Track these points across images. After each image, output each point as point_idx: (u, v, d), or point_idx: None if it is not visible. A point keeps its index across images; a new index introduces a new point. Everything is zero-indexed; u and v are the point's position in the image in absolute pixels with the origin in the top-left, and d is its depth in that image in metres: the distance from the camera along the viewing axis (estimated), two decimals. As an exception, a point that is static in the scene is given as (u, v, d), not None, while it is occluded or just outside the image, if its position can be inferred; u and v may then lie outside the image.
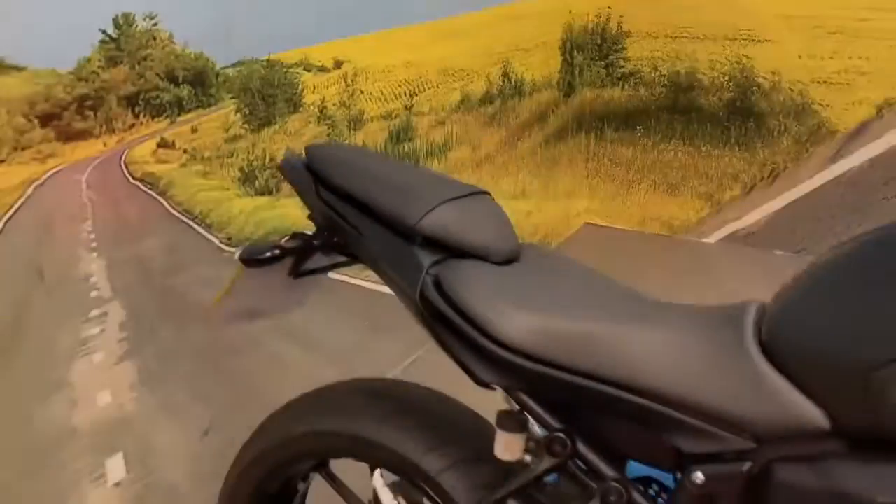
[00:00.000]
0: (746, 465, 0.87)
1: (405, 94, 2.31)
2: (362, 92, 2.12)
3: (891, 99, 2.94)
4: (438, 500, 1.10)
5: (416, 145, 2.39)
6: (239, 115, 1.80)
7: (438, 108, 2.52)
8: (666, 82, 3.33)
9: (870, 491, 0.78)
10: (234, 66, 1.78)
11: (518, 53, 3.01)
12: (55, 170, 1.46)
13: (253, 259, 1.19)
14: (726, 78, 3.22)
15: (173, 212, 1.72)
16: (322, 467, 1.35)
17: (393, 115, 2.27)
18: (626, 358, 0.93)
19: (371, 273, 1.74)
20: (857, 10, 2.85)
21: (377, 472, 1.11)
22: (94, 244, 1.56)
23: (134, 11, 1.56)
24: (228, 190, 1.85)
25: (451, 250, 1.07)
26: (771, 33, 3.10)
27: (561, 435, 0.96)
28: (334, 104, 2.07)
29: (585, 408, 0.99)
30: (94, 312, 1.57)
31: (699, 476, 0.89)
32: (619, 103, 3.45)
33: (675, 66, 3.30)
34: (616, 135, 3.48)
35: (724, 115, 3.24)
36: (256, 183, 1.90)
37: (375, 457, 1.09)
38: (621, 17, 3.40)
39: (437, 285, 1.04)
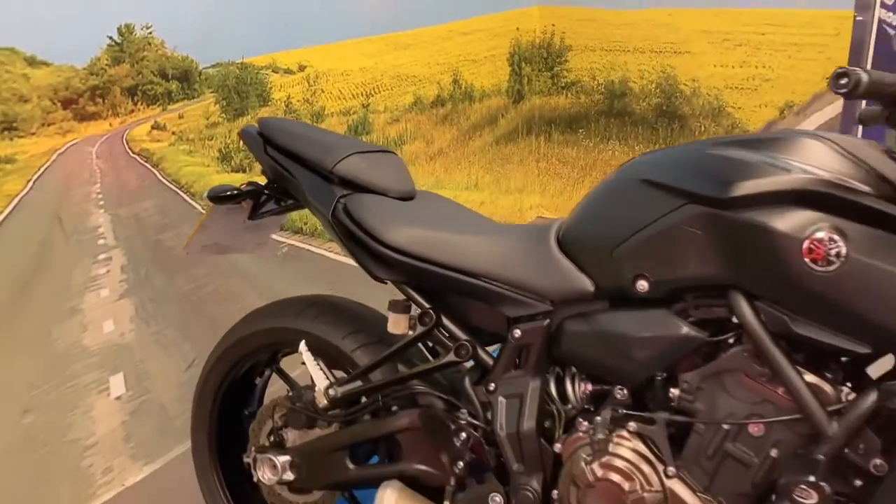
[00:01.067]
0: (546, 322, 1.31)
1: (362, 95, 2.72)
2: (323, 91, 2.53)
3: (790, 102, 3.38)
4: (351, 371, 1.53)
5: (373, 138, 2.80)
6: (217, 106, 2.21)
7: (393, 108, 2.93)
8: (603, 90, 3.77)
9: (622, 329, 1.22)
10: (213, 66, 2.18)
11: (467, 64, 3.43)
12: (72, 142, 1.87)
13: (217, 196, 1.63)
14: (654, 85, 3.65)
15: (164, 181, 2.12)
16: (273, 363, 1.77)
17: (351, 112, 2.68)
18: (471, 254, 1.38)
19: (333, 245, 2.27)
20: (758, 25, 3.28)
21: (302, 343, 1.54)
22: (101, 202, 1.96)
23: (134, 22, 2.00)
24: (209, 167, 2.25)
25: (359, 188, 1.52)
26: (691, 46, 3.54)
27: (430, 311, 1.41)
28: (299, 101, 2.48)
29: (447, 292, 1.43)
30: (101, 256, 1.97)
31: (517, 332, 1.33)
32: (564, 109, 3.88)
33: (611, 76, 3.73)
34: (562, 137, 3.91)
35: (653, 118, 3.66)
36: (232, 162, 2.31)
37: (308, 345, 1.52)
38: (563, 33, 3.84)
39: (345, 209, 1.48)
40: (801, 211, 1.04)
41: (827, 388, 1.09)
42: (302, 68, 2.48)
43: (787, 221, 1.04)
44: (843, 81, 0.90)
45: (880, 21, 3.54)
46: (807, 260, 1.02)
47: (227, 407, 1.78)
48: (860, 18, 3.23)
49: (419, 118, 3.11)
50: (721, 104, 3.46)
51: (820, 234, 1.02)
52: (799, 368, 1.10)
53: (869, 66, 3.70)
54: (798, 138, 1.10)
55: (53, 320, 1.90)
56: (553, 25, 3.84)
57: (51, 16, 1.76)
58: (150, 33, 2.00)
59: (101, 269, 1.99)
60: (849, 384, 1.09)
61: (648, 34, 3.58)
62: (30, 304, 1.86)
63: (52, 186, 1.86)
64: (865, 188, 1.03)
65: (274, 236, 2.49)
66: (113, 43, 1.93)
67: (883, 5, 3.48)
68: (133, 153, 2.03)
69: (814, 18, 3.19)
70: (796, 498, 1.06)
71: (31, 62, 1.76)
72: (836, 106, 3.19)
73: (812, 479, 1.06)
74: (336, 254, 2.75)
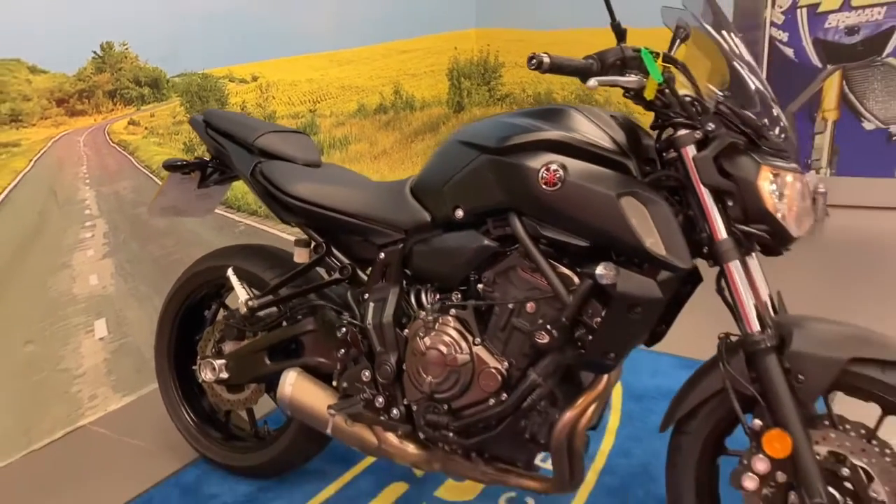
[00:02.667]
0: (401, 245, 1.84)
1: (309, 101, 3.26)
2: (274, 98, 3.06)
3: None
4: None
5: (321, 138, 3.33)
6: (182, 108, 2.76)
7: (338, 113, 3.47)
8: (531, 100, 4.32)
9: (447, 245, 1.74)
10: (179, 75, 2.74)
11: (408, 78, 3.97)
12: (64, 133, 2.39)
13: (171, 165, 2.18)
14: (574, 96, 4.20)
15: (138, 166, 2.65)
16: (219, 299, 2.29)
17: (300, 116, 3.20)
18: (350, 201, 1.92)
19: (285, 227, 2.86)
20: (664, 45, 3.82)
21: (230, 269, 2.06)
22: (87, 180, 2.48)
23: (113, 40, 2.54)
24: (175, 156, 2.79)
25: (272, 156, 2.05)
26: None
27: (322, 243, 1.94)
28: (252, 105, 3.01)
29: (335, 230, 1.96)
30: (88, 224, 2.48)
31: (382, 255, 1.86)
32: (500, 117, 4.41)
33: (537, 88, 4.28)
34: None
35: (573, 123, 4.20)
36: (195, 153, 2.85)
37: (236, 273, 2.04)
38: (497, 51, 4.40)
39: (261, 171, 2.02)
40: (541, 154, 1.58)
41: (567, 272, 1.62)
42: (255, 78, 3.03)
43: (532, 161, 1.58)
44: (533, 62, 1.44)
45: (770, 38, 4.12)
46: (543, 185, 1.56)
47: (182, 334, 2.31)
48: (740, 36, 3.75)
49: (363, 123, 3.65)
50: (629, 110, 4.00)
51: (552, 167, 1.56)
52: (551, 262, 1.62)
53: (765, 73, 4.26)
54: (557, 109, 1.64)
55: (48, 272, 2.43)
56: (488, 45, 4.40)
57: (48, 33, 2.31)
58: (127, 49, 2.55)
59: (87, 234, 2.52)
60: (579, 269, 1.61)
61: (569, 50, 4.12)
62: (30, 258, 2.38)
63: (48, 165, 2.39)
64: (584, 138, 1.56)
65: (234, 217, 3.03)
66: (97, 56, 2.48)
67: (773, 24, 4.06)
68: (113, 143, 2.57)
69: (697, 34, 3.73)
70: (538, 341, 1.59)
71: (33, 70, 2.31)
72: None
73: (555, 332, 1.59)
74: (289, 234, 3.28)
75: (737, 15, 3.85)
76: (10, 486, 2.23)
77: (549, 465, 1.72)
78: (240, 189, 3.07)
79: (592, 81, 1.45)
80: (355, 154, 3.60)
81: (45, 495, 2.17)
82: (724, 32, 1.58)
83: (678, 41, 1.67)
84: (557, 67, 1.45)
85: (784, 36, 4.32)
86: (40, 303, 2.40)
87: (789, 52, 4.34)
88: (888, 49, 4.18)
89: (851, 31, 4.20)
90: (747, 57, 1.58)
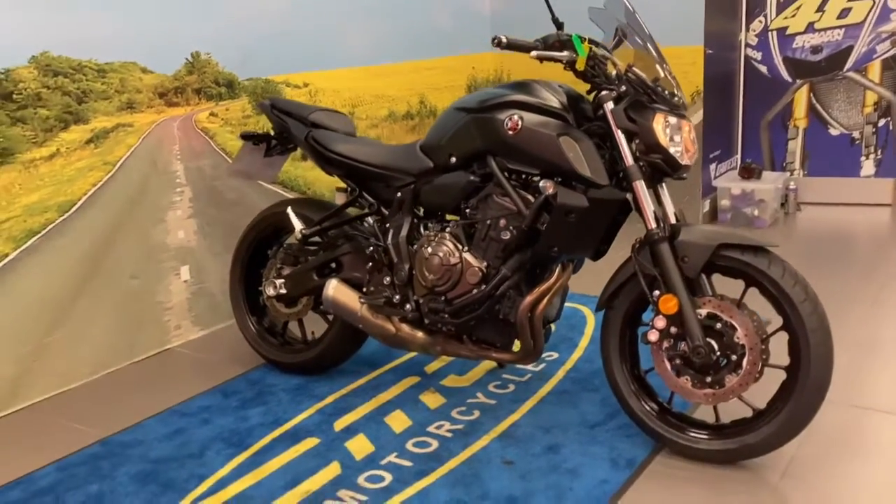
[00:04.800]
0: (412, 186, 2.55)
1: (349, 106, 4.00)
2: (320, 101, 3.82)
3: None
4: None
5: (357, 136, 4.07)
6: (250, 105, 3.54)
7: (372, 117, 4.21)
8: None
9: (445, 182, 2.45)
10: (248, 79, 3.51)
11: (431, 90, 4.69)
12: (164, 119, 3.16)
13: (245, 135, 2.93)
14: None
15: (216, 149, 3.39)
16: (278, 240, 3.01)
17: (341, 116, 3.98)
18: (376, 156, 2.64)
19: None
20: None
21: (289, 207, 2.78)
22: (178, 156, 3.23)
23: (200, 50, 3.33)
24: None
25: (320, 127, 2.79)
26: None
27: (355, 188, 2.66)
28: (304, 106, 3.79)
29: (365, 178, 2.67)
30: (178, 190, 3.22)
31: (399, 194, 2.57)
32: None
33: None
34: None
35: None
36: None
37: (294, 211, 2.76)
38: (510, 71, 5.13)
39: (312, 136, 2.75)
40: (507, 110, 2.28)
41: (527, 195, 2.30)
42: (306, 85, 3.80)
43: (501, 114, 2.28)
44: (495, 41, 2.15)
45: (746, 57, 4.81)
46: (508, 130, 2.26)
47: (250, 268, 3.03)
48: (710, 52, 4.45)
49: (393, 126, 4.39)
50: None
51: (514, 117, 2.26)
52: (516, 188, 2.31)
53: (742, 89, 4.92)
54: (523, 82, 2.35)
55: (150, 224, 3.18)
56: (502, 65, 5.14)
57: (155, 43, 3.11)
58: (210, 57, 3.34)
59: (177, 198, 3.27)
60: (535, 194, 2.29)
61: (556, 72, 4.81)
62: (137, 211, 3.13)
63: (151, 143, 3.16)
64: (537, 99, 2.26)
65: (288, 195, 3.76)
66: (188, 62, 3.26)
67: (747, 45, 4.74)
68: (198, 129, 3.33)
69: (674, 52, 4.42)
70: (501, 237, 2.27)
71: (144, 70, 3.09)
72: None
73: (517, 234, 2.27)
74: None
75: (711, 37, 4.52)
76: (120, 385, 2.95)
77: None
78: (292, 173, 3.81)
79: (533, 53, 2.15)
80: (386, 151, 4.32)
81: (147, 391, 2.89)
82: (640, 27, 2.27)
83: (617, 39, 2.33)
84: (512, 45, 2.16)
85: (758, 55, 4.99)
86: (143, 246, 3.14)
87: (763, 69, 5.00)
88: (848, 65, 4.82)
89: (816, 49, 4.86)
90: (654, 45, 2.27)
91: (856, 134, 4.87)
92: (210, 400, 2.75)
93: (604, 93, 2.19)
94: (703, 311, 2.11)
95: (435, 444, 2.36)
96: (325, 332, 2.82)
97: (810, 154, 5.00)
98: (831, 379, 2.05)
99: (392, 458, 2.30)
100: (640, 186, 2.15)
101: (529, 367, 2.86)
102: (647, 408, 2.27)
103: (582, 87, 2.33)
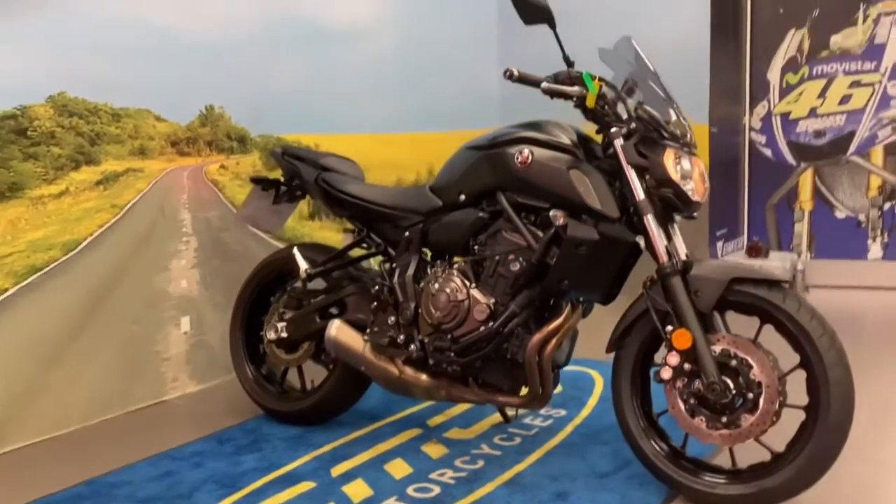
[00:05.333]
0: (421, 225, 2.53)
1: (358, 171, 4.08)
2: (330, 164, 3.89)
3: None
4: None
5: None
6: (260, 161, 3.57)
7: (381, 182, 4.26)
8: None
9: (454, 220, 2.43)
10: (259, 136, 3.56)
11: (439, 161, 4.72)
12: (173, 168, 3.20)
13: (255, 179, 2.93)
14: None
15: (224, 201, 3.39)
16: (279, 287, 2.97)
17: (350, 181, 4.01)
18: (387, 198, 2.64)
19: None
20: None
21: (295, 247, 2.75)
22: (186, 205, 3.22)
23: (213, 103, 3.39)
24: (253, 197, 3.54)
25: (330, 171, 2.81)
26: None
27: (362, 228, 2.65)
28: (314, 167, 3.83)
29: (374, 219, 2.66)
30: (184, 239, 3.20)
31: (406, 234, 2.55)
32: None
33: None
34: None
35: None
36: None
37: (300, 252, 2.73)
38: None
39: (322, 178, 2.76)
40: (518, 145, 2.29)
41: (536, 230, 2.28)
42: (317, 146, 3.85)
43: (512, 149, 2.29)
44: (506, 73, 2.17)
45: (751, 140, 4.88)
46: (518, 164, 2.26)
47: (252, 315, 2.98)
48: (715, 131, 4.52)
49: (401, 194, 4.43)
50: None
51: (525, 152, 2.26)
52: (526, 223, 2.29)
53: (746, 170, 4.97)
54: (533, 122, 2.37)
55: (154, 271, 3.15)
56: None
57: (170, 93, 3.16)
58: (223, 110, 3.39)
59: (182, 247, 3.25)
60: (545, 229, 2.27)
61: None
62: (143, 255, 3.10)
63: (161, 190, 3.17)
64: (547, 136, 2.27)
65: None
66: (202, 113, 3.31)
67: (751, 129, 4.82)
68: (207, 180, 3.35)
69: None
70: (510, 272, 2.23)
71: (158, 118, 3.14)
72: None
73: (526, 268, 2.23)
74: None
75: (716, 118, 4.61)
76: (112, 432, 2.85)
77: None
78: (298, 231, 3.80)
79: (544, 85, 2.17)
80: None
81: (139, 437, 2.79)
82: (649, 69, 2.30)
83: (628, 87, 2.34)
84: (524, 79, 2.18)
85: (762, 139, 5.07)
86: (145, 293, 3.10)
87: (767, 152, 5.07)
88: (851, 149, 4.89)
89: (819, 134, 4.93)
90: (664, 87, 2.29)
91: (861, 217, 4.88)
92: (203, 446, 2.65)
93: (613, 129, 2.20)
94: (718, 348, 2.05)
95: (437, 489, 2.26)
96: (324, 380, 2.74)
97: (817, 236, 5.00)
98: (853, 418, 1.96)
99: (391, 501, 2.19)
100: (651, 221, 2.13)
101: (537, 422, 2.76)
102: (661, 451, 2.17)
103: (590, 130, 2.34)
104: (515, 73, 2.17)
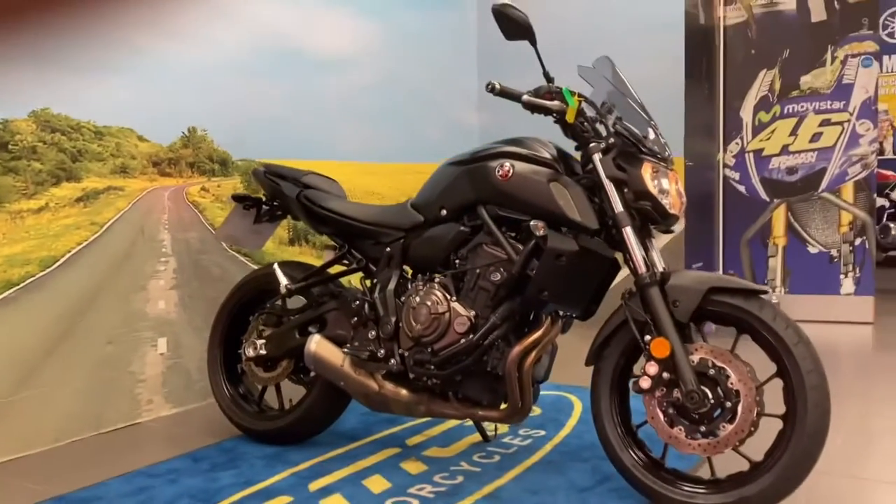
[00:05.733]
0: (402, 240, 2.55)
1: (340, 199, 4.10)
2: (311, 191, 3.90)
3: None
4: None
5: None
6: (242, 185, 3.58)
7: (362, 213, 4.29)
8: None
9: (435, 235, 2.46)
10: (241, 160, 3.58)
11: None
12: (155, 187, 3.21)
13: (237, 197, 2.94)
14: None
15: (204, 223, 3.39)
16: (259, 306, 2.96)
17: (331, 208, 4.03)
18: (369, 215, 2.66)
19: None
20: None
21: (276, 263, 2.75)
22: (166, 226, 3.22)
23: (196, 126, 3.41)
24: (233, 220, 3.54)
25: (312, 188, 2.82)
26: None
27: (343, 244, 2.66)
28: (294, 193, 3.85)
29: (355, 236, 2.68)
30: (163, 259, 3.18)
31: (388, 249, 2.57)
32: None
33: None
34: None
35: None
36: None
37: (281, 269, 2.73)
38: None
39: (305, 195, 2.77)
40: (499, 159, 2.32)
41: (516, 244, 2.31)
42: (299, 172, 3.87)
43: (493, 163, 2.32)
44: (488, 87, 2.22)
45: (725, 177, 4.97)
46: (499, 177, 2.30)
47: (231, 335, 2.96)
48: (690, 164, 4.61)
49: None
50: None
51: (506, 165, 2.30)
52: (507, 237, 2.32)
53: (721, 205, 5.05)
54: (514, 138, 2.40)
55: (132, 290, 3.12)
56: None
57: (153, 113, 3.18)
58: (206, 133, 3.42)
59: (161, 267, 3.24)
60: (525, 242, 2.29)
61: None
62: (121, 275, 3.08)
63: (141, 209, 3.16)
64: (527, 151, 2.31)
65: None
66: (184, 135, 3.33)
67: (725, 166, 4.92)
68: (188, 202, 3.35)
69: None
70: (491, 284, 2.25)
71: (140, 138, 3.15)
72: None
73: (507, 280, 2.25)
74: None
75: (690, 154, 4.70)
76: (84, 452, 2.80)
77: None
78: (279, 257, 3.79)
79: (525, 98, 2.22)
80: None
81: (113, 456, 2.74)
82: (626, 87, 2.35)
83: (607, 107, 2.39)
84: (505, 92, 2.23)
85: (736, 175, 5.17)
86: (122, 312, 3.08)
87: (741, 188, 5.17)
88: (822, 185, 5.00)
89: (791, 171, 5.04)
90: (641, 105, 2.34)
91: (834, 252, 4.97)
92: (179, 464, 2.61)
93: (592, 144, 2.24)
94: (696, 358, 2.07)
95: (416, 503, 2.23)
96: (302, 398, 2.72)
97: (791, 271, 5.07)
98: (829, 424, 1.98)
99: (370, 513, 2.16)
100: (629, 233, 2.16)
101: (516, 441, 2.75)
102: (640, 462, 2.17)
103: (570, 148, 2.38)
104: (497, 85, 2.21)
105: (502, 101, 2.29)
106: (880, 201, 6.05)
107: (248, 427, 2.81)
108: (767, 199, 5.12)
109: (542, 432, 2.86)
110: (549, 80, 2.30)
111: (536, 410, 3.11)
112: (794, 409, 2.00)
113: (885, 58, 7.55)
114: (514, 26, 2.17)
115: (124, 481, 2.46)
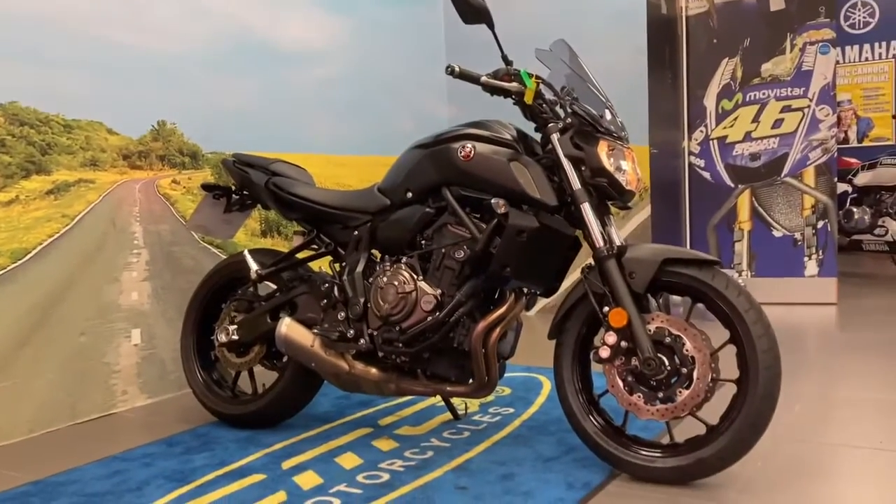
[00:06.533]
0: (369, 224, 2.61)
1: (310, 191, 4.14)
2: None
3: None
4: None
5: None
6: (212, 177, 3.62)
7: (333, 204, 4.34)
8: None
9: (400, 217, 2.51)
10: (211, 152, 3.62)
11: (391, 185, 4.85)
12: (125, 180, 3.24)
13: (206, 186, 2.99)
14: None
15: (176, 215, 3.43)
16: (231, 294, 3.00)
17: (301, 199, 4.10)
18: (336, 199, 2.71)
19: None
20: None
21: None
22: (138, 218, 3.25)
23: (166, 119, 3.45)
24: (204, 212, 3.58)
25: (280, 175, 2.87)
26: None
27: (311, 229, 2.71)
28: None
29: (324, 221, 2.73)
30: (135, 251, 3.22)
31: (356, 233, 2.62)
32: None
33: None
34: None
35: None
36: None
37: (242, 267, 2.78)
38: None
39: (273, 182, 2.82)
40: (461, 140, 2.39)
41: (479, 223, 2.37)
42: (270, 164, 3.92)
43: (455, 144, 2.39)
44: (448, 69, 2.28)
45: (690, 163, 5.07)
46: (462, 157, 2.36)
47: (204, 323, 3.00)
48: (655, 152, 4.70)
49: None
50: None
51: (467, 146, 2.36)
52: (471, 217, 2.38)
53: (686, 192, 5.15)
54: (476, 121, 2.47)
55: (104, 282, 3.16)
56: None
57: (123, 106, 3.21)
58: (175, 126, 3.45)
59: (133, 259, 3.27)
60: (488, 221, 2.36)
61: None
62: (92, 267, 3.11)
63: (112, 202, 3.20)
64: (488, 132, 2.38)
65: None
66: (154, 129, 3.37)
67: (690, 153, 5.02)
68: (159, 194, 3.39)
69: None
70: (455, 263, 2.31)
71: (110, 131, 3.18)
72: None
73: (471, 257, 2.32)
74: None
75: (656, 142, 4.80)
76: (60, 441, 2.83)
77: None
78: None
79: (483, 79, 2.28)
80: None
81: (88, 443, 2.77)
82: (583, 69, 2.43)
83: (566, 91, 2.45)
84: (464, 74, 2.29)
85: (701, 162, 5.27)
86: (95, 304, 3.11)
87: (706, 175, 5.28)
88: (785, 170, 5.11)
89: (754, 157, 5.16)
90: (598, 87, 2.42)
91: (797, 235, 5.09)
92: (153, 448, 2.65)
93: (550, 125, 2.31)
94: (652, 327, 2.15)
95: (386, 476, 2.29)
96: (274, 382, 2.77)
97: (757, 255, 5.19)
98: (780, 386, 2.07)
99: (341, 487, 2.22)
100: (587, 209, 2.24)
101: (485, 418, 2.82)
102: (601, 429, 2.25)
103: (529, 129, 2.45)
104: (457, 68, 2.27)
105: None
106: (843, 187, 6.18)
107: (222, 412, 2.85)
108: (732, 185, 5.23)
109: (511, 410, 2.92)
110: (508, 62, 2.37)
111: (506, 390, 3.18)
112: (746, 373, 2.08)
113: (848, 48, 7.71)
114: (472, 10, 2.24)
115: (99, 466, 2.50)
